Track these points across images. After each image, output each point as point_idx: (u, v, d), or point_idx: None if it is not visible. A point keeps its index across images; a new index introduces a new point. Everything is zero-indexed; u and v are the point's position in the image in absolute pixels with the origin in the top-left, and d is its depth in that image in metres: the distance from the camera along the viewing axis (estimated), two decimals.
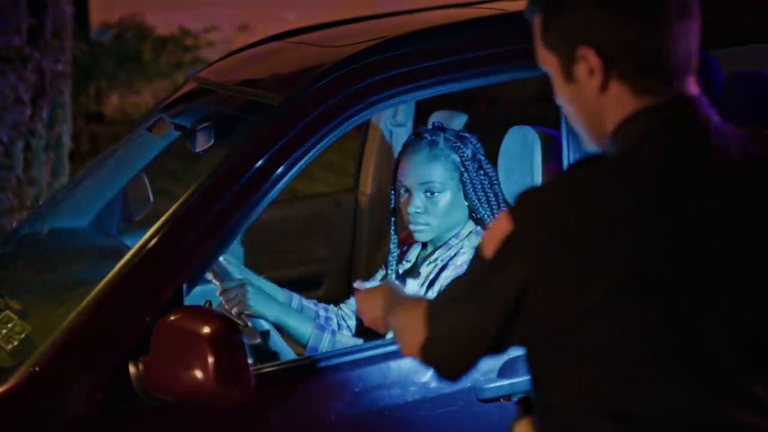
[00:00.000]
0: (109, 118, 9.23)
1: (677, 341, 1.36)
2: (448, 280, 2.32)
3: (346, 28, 2.87)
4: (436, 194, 2.57)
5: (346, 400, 2.15)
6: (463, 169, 2.58)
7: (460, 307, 1.48)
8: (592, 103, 1.46)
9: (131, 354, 2.01)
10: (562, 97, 1.50)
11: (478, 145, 2.64)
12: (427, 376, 2.20)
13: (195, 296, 2.25)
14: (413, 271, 2.68)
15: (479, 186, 2.60)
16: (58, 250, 2.83)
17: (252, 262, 3.08)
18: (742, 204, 1.40)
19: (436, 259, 2.61)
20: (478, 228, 2.62)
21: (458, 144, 2.60)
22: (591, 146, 1.51)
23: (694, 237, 1.37)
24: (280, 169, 2.17)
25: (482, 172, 2.61)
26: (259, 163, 2.16)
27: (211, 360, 1.91)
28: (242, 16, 10.31)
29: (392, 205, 2.76)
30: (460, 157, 2.59)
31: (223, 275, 2.58)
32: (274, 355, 2.47)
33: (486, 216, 2.59)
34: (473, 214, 2.63)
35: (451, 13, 2.79)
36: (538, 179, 2.52)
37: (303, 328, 2.53)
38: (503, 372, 2.24)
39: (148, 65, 9.36)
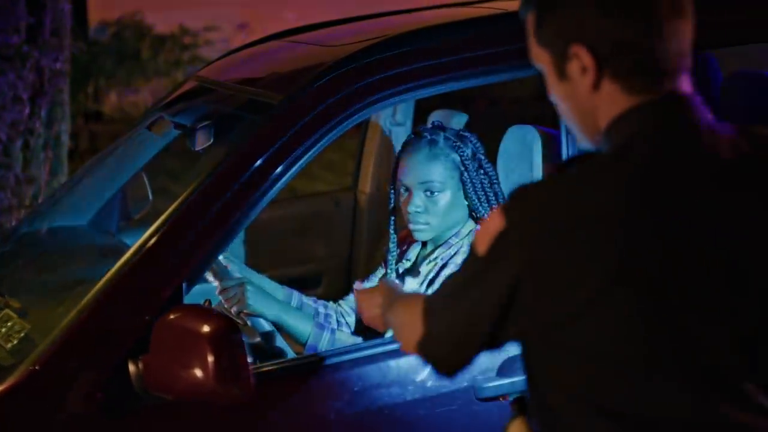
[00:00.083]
0: (108, 116, 9.22)
1: (669, 340, 1.37)
2: None
3: (346, 28, 2.87)
4: (436, 193, 2.57)
5: (346, 398, 2.16)
6: (463, 169, 2.58)
7: (455, 304, 1.49)
8: (584, 101, 1.46)
9: (131, 353, 2.01)
10: (556, 94, 1.51)
11: (478, 145, 2.64)
12: (426, 374, 2.20)
13: (194, 295, 2.25)
14: (413, 270, 2.68)
15: (479, 185, 2.60)
16: (57, 249, 2.83)
17: (252, 261, 3.09)
18: (734, 203, 1.40)
19: (436, 258, 2.62)
20: (478, 227, 2.62)
21: (458, 143, 2.60)
22: (584, 144, 1.52)
23: (684, 235, 1.37)
24: (279, 168, 2.17)
25: (482, 171, 2.61)
26: (259, 162, 2.16)
27: (210, 359, 1.91)
28: (242, 15, 10.30)
29: (392, 205, 2.76)
30: (460, 156, 2.59)
31: (222, 274, 2.58)
32: (274, 355, 2.47)
33: (486, 215, 2.59)
34: (473, 213, 2.64)
35: (451, 13, 2.79)
36: (537, 178, 2.52)
37: (302, 326, 2.53)
38: (502, 371, 2.25)
39: (146, 64, 9.35)
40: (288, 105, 2.25)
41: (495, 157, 2.70)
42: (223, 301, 2.53)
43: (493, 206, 2.60)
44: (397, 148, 2.73)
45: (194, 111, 2.69)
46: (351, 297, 2.79)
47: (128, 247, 2.17)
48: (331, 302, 2.80)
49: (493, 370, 2.25)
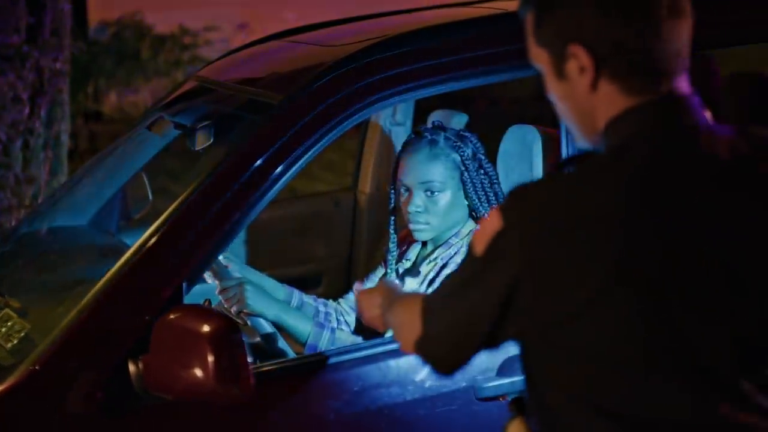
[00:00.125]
0: (108, 116, 9.22)
1: (668, 340, 1.37)
2: None
3: (346, 27, 2.87)
4: (436, 193, 2.57)
5: (346, 398, 2.16)
6: (463, 169, 2.59)
7: (454, 304, 1.49)
8: (583, 101, 1.46)
9: (131, 353, 2.01)
10: (554, 94, 1.51)
11: (478, 145, 2.64)
12: (426, 374, 2.20)
13: (194, 295, 2.25)
14: (413, 270, 2.68)
15: (479, 185, 2.60)
16: (57, 249, 2.83)
17: (252, 261, 3.09)
18: (731, 203, 1.40)
19: (436, 258, 2.62)
20: (478, 227, 2.62)
21: (459, 143, 2.60)
22: (583, 143, 1.52)
23: (683, 236, 1.37)
24: (279, 168, 2.17)
25: (482, 171, 2.62)
26: (259, 162, 2.16)
27: (210, 359, 1.91)
28: (241, 15, 10.30)
29: (392, 205, 2.76)
30: (461, 156, 2.59)
31: (221, 274, 2.58)
32: (274, 355, 2.47)
33: (486, 215, 2.59)
34: (473, 213, 2.64)
35: (451, 13, 2.79)
36: (536, 178, 2.52)
37: (302, 326, 2.53)
38: (502, 371, 2.25)
39: (146, 64, 9.36)
40: (288, 105, 2.25)
41: (495, 157, 2.70)
42: (222, 300, 2.53)
43: (493, 206, 2.60)
44: (397, 148, 2.73)
45: (194, 111, 2.69)
46: (351, 296, 2.80)
47: (128, 247, 2.17)
48: (330, 301, 2.80)
49: (493, 370, 2.25)
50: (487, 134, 2.75)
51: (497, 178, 2.64)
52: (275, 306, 2.53)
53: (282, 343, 2.50)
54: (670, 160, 1.40)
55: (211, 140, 2.52)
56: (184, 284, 2.08)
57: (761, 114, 2.51)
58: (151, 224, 2.13)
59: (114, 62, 9.15)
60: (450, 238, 2.62)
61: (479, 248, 1.44)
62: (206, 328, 1.93)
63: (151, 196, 2.90)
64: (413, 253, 2.73)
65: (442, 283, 1.57)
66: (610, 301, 1.36)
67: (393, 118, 3.38)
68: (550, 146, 2.56)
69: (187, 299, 2.09)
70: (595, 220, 1.37)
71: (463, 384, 2.22)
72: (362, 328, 2.65)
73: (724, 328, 1.38)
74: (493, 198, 2.61)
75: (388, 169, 3.28)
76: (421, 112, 3.26)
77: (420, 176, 2.58)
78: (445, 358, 1.53)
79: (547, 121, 2.57)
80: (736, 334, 1.38)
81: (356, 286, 2.82)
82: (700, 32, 1.51)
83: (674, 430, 1.39)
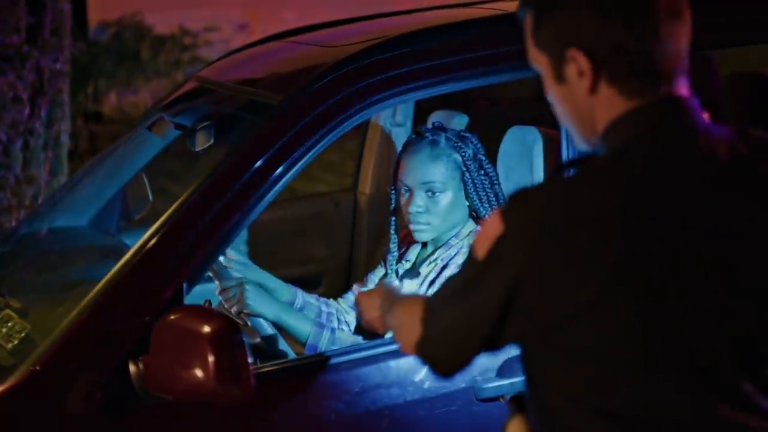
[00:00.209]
0: (108, 117, 9.23)
1: (667, 341, 1.37)
2: None
3: (346, 28, 2.87)
4: (437, 194, 2.58)
5: (346, 399, 2.16)
6: (464, 169, 2.59)
7: (454, 306, 1.50)
8: (582, 104, 1.46)
9: (131, 353, 2.01)
10: (553, 96, 1.51)
11: (479, 145, 2.64)
12: (426, 375, 2.20)
13: (194, 295, 2.25)
14: (413, 271, 2.68)
15: (480, 186, 2.60)
16: (57, 250, 2.83)
17: (252, 262, 3.08)
18: (730, 205, 1.40)
19: (436, 259, 2.62)
20: (479, 227, 2.62)
21: (459, 144, 2.60)
22: (582, 145, 1.52)
23: (682, 237, 1.37)
24: (279, 169, 2.17)
25: (483, 171, 2.62)
26: (259, 162, 2.16)
27: (211, 359, 1.91)
28: (241, 15, 10.31)
29: (392, 205, 2.76)
30: (462, 156, 2.59)
31: (222, 274, 2.58)
32: (275, 356, 2.47)
33: (487, 216, 2.59)
34: (473, 214, 2.64)
35: (451, 14, 2.80)
36: (537, 179, 2.52)
37: (302, 326, 2.53)
38: (502, 372, 2.25)
39: (146, 64, 9.36)
40: (288, 106, 2.25)
41: (495, 157, 2.70)
42: (222, 301, 2.54)
43: (494, 207, 2.60)
44: (398, 149, 2.73)
45: (194, 111, 2.69)
46: (350, 295, 2.80)
47: (128, 248, 2.17)
48: (331, 300, 2.80)
49: (493, 370, 2.25)
50: (488, 135, 2.75)
51: (497, 179, 2.64)
52: (275, 306, 2.54)
53: (282, 344, 2.50)
54: (669, 161, 1.40)
55: (211, 141, 2.52)
56: (185, 285, 2.08)
57: (761, 115, 2.51)
58: (151, 225, 2.13)
59: (114, 63, 9.16)
60: (450, 239, 2.62)
61: (480, 251, 1.44)
62: (207, 329, 1.93)
63: (151, 197, 2.90)
64: (413, 254, 2.73)
65: (442, 285, 1.57)
66: (609, 302, 1.36)
67: (393, 119, 3.38)
68: (551, 147, 2.56)
69: (188, 300, 2.09)
70: (594, 221, 1.37)
71: (463, 385, 2.22)
72: (362, 328, 2.65)
73: (723, 328, 1.38)
74: (494, 199, 2.61)
75: (388, 169, 3.28)
76: (421, 112, 3.27)
77: (421, 176, 2.58)
78: (445, 359, 1.54)
79: (547, 122, 2.58)
80: (735, 335, 1.38)
81: (355, 287, 2.82)
82: (698, 33, 1.51)
83: (674, 430, 1.40)
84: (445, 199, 2.58)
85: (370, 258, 3.38)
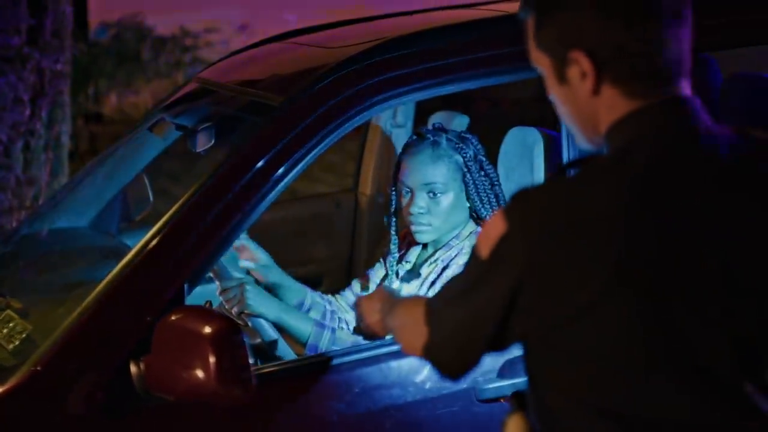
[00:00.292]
0: (108, 117, 9.24)
1: (668, 341, 1.37)
2: None
3: (347, 29, 2.87)
4: (438, 195, 2.58)
5: (347, 400, 2.16)
6: (465, 170, 2.59)
7: (458, 308, 1.50)
8: (584, 105, 1.47)
9: (132, 354, 2.01)
10: (556, 97, 1.51)
11: (479, 146, 2.64)
12: (427, 376, 2.20)
13: (195, 296, 2.25)
14: (413, 273, 2.68)
15: (481, 187, 2.60)
16: (58, 250, 2.83)
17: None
18: (732, 205, 1.40)
19: (436, 259, 2.62)
20: (479, 228, 2.62)
21: (460, 145, 2.60)
22: (585, 145, 1.53)
23: (683, 237, 1.38)
24: (280, 170, 2.17)
25: (484, 172, 2.62)
26: (260, 163, 2.17)
27: (212, 360, 1.91)
28: (242, 16, 10.31)
29: (393, 206, 2.76)
30: (463, 157, 2.59)
31: (222, 275, 2.59)
32: (275, 357, 2.48)
33: (488, 217, 2.59)
34: (474, 215, 2.64)
35: (452, 15, 2.80)
36: (538, 180, 2.53)
37: (303, 326, 2.53)
38: (503, 372, 2.25)
39: (147, 65, 9.37)
40: (289, 107, 2.25)
41: (495, 158, 2.71)
42: (223, 301, 2.54)
43: (495, 208, 2.61)
44: (398, 150, 2.73)
45: (195, 112, 2.69)
46: (347, 293, 2.80)
47: (129, 249, 2.17)
48: (331, 297, 2.80)
49: (494, 371, 2.25)
50: (488, 136, 2.75)
51: (498, 180, 2.64)
52: (275, 307, 2.54)
53: (283, 345, 2.50)
54: (670, 162, 1.40)
55: (212, 142, 2.52)
56: (186, 285, 2.08)
57: (761, 115, 2.51)
58: (152, 226, 2.14)
59: (114, 64, 9.17)
60: (451, 239, 2.62)
61: (483, 252, 1.44)
62: (208, 330, 1.93)
63: (152, 198, 2.90)
64: (413, 255, 2.73)
65: (444, 286, 1.57)
66: (610, 302, 1.36)
67: (394, 120, 3.38)
68: (551, 148, 2.56)
69: (189, 300, 2.10)
70: (596, 221, 1.38)
71: (464, 385, 2.22)
72: (362, 330, 2.65)
73: (723, 328, 1.38)
74: (494, 200, 2.62)
75: (389, 170, 3.28)
76: (421, 113, 3.27)
77: (422, 177, 2.58)
78: (451, 362, 1.53)
79: (548, 123, 2.58)
80: (735, 335, 1.38)
81: (355, 283, 2.82)
82: (699, 35, 1.51)
83: (674, 430, 1.40)
84: (446, 200, 2.58)
85: (371, 259, 3.38)
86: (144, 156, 2.93)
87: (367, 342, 2.42)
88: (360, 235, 3.49)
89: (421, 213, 2.58)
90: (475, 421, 2.24)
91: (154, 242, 2.09)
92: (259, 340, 2.47)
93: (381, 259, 2.81)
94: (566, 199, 1.40)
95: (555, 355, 1.42)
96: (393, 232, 2.76)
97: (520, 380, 2.20)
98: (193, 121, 2.63)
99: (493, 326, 1.44)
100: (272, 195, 2.17)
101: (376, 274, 2.80)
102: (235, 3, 10.59)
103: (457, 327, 1.50)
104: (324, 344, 2.51)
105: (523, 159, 2.62)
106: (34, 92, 5.08)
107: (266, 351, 2.45)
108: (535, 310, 1.40)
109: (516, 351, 1.51)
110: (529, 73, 1.87)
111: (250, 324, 2.51)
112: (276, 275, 2.71)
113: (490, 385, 2.23)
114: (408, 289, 2.65)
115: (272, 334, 2.49)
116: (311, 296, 2.74)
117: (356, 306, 2.11)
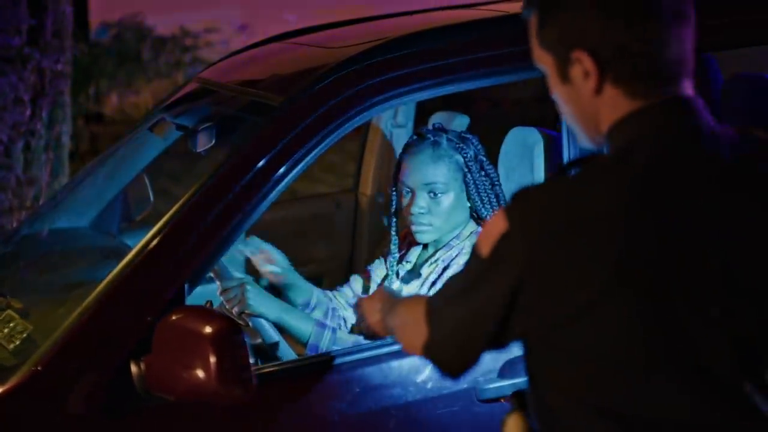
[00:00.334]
0: (109, 118, 9.24)
1: (668, 341, 1.37)
2: None
3: (347, 30, 2.88)
4: (439, 195, 2.58)
5: (348, 400, 2.16)
6: (466, 170, 2.59)
7: (458, 306, 1.50)
8: (587, 105, 1.47)
9: (133, 354, 2.01)
10: (558, 96, 1.51)
11: (479, 146, 2.65)
12: (428, 375, 2.20)
13: (196, 296, 2.25)
14: (414, 273, 2.68)
15: (482, 187, 2.60)
16: (59, 250, 2.83)
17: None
18: (734, 205, 1.40)
19: (437, 259, 2.62)
20: (480, 228, 2.62)
21: (461, 145, 2.61)
22: (586, 144, 1.53)
23: (684, 237, 1.38)
24: (281, 170, 2.17)
25: (484, 172, 2.62)
26: (261, 163, 2.17)
27: (213, 360, 1.91)
28: (242, 16, 10.31)
29: (394, 206, 2.76)
30: (464, 157, 2.60)
31: (223, 275, 2.59)
32: (276, 357, 2.48)
33: (488, 217, 2.60)
34: (474, 215, 2.64)
35: (453, 15, 2.80)
36: (538, 180, 2.53)
37: (303, 326, 2.53)
38: (503, 372, 2.25)
39: (147, 65, 9.37)
40: (289, 107, 2.25)
41: (496, 158, 2.71)
42: (224, 301, 2.54)
43: (495, 208, 2.61)
44: (398, 150, 2.73)
45: (196, 112, 2.69)
46: (345, 289, 2.80)
47: (130, 249, 2.17)
48: (330, 293, 2.81)
49: (495, 371, 2.25)
50: (489, 136, 2.75)
51: (498, 180, 2.64)
52: (276, 306, 2.54)
53: (284, 345, 2.50)
54: (672, 161, 1.40)
55: (213, 142, 2.52)
56: (186, 285, 2.08)
57: (763, 115, 2.51)
58: (152, 226, 2.14)
59: (115, 64, 9.17)
60: (451, 239, 2.62)
61: (484, 250, 1.44)
62: (208, 329, 1.93)
63: (152, 198, 2.90)
64: (413, 255, 2.73)
65: (445, 285, 1.57)
66: (611, 302, 1.36)
67: (394, 120, 3.38)
68: (551, 148, 2.56)
69: (189, 300, 2.10)
70: (596, 221, 1.38)
71: (465, 385, 2.22)
72: (362, 331, 2.65)
73: (723, 328, 1.38)
74: (495, 200, 2.62)
75: (389, 170, 3.29)
76: (422, 114, 3.27)
77: (423, 177, 2.58)
78: (452, 360, 1.54)
79: (548, 123, 2.58)
80: (735, 335, 1.38)
81: (353, 279, 2.82)
82: (701, 35, 1.51)
83: (674, 430, 1.40)
84: (447, 200, 2.58)
85: (371, 259, 3.38)
86: (144, 156, 2.94)
87: (367, 342, 2.42)
88: (360, 235, 3.49)
89: (422, 213, 2.58)
90: (475, 421, 2.24)
91: (154, 242, 2.09)
92: (259, 340, 2.47)
93: (381, 257, 2.81)
94: (567, 199, 1.41)
95: (555, 355, 1.42)
96: (393, 233, 2.76)
97: (520, 380, 2.20)
98: (193, 121, 2.63)
99: (494, 325, 1.44)
100: (272, 195, 2.17)
101: (377, 270, 2.80)
102: (235, 3, 10.59)
103: (457, 325, 1.50)
104: (325, 344, 2.51)
105: (523, 159, 2.62)
106: (35, 92, 5.08)
107: (267, 351, 2.45)
108: (536, 309, 1.40)
109: (516, 351, 1.51)
110: (530, 73, 1.88)
111: (250, 324, 2.51)
112: (292, 276, 2.71)
113: (491, 385, 2.23)
114: (408, 290, 2.65)
115: (273, 334, 2.49)
116: (317, 294, 2.75)
117: (357, 306, 2.11)
